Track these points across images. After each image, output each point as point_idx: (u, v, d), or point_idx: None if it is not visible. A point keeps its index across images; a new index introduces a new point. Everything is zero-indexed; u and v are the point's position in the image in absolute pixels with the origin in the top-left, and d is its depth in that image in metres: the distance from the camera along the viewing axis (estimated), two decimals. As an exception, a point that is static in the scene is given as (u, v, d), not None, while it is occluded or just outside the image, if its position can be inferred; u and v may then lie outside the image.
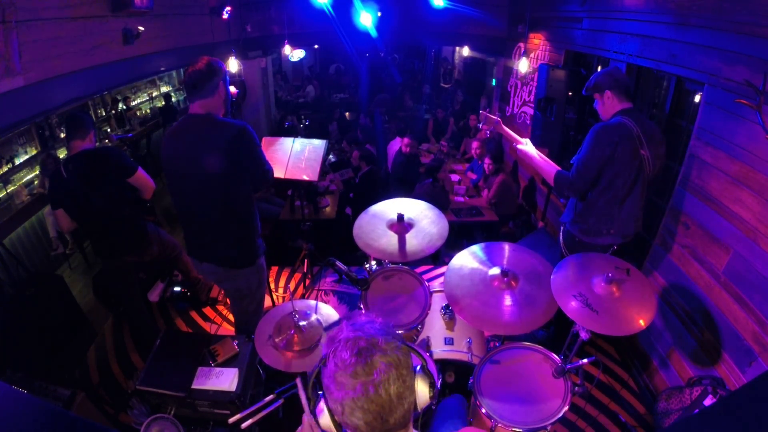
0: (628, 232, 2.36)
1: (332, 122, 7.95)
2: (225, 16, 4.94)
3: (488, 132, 2.86)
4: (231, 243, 2.14)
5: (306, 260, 3.77)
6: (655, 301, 1.77)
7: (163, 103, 7.16)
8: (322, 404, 0.90)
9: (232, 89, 2.18)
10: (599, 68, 3.84)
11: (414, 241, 2.22)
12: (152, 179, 2.64)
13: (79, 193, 2.40)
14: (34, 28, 2.54)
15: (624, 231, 2.35)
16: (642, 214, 2.39)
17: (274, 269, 3.95)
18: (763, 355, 1.93)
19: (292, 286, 3.76)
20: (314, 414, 0.95)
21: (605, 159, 2.19)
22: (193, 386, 1.95)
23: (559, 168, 2.45)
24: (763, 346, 1.94)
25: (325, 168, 5.14)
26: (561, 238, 2.61)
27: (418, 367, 0.95)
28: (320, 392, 0.92)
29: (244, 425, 1.58)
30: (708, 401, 2.01)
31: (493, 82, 6.65)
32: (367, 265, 2.47)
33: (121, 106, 6.17)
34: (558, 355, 1.94)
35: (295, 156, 3.26)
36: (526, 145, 2.55)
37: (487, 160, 4.73)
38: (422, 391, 0.95)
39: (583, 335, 1.83)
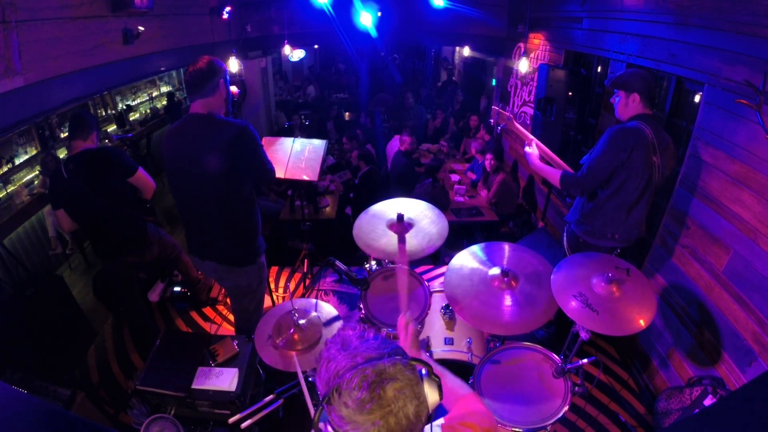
0: (630, 237, 2.36)
1: (329, 120, 7.94)
2: (225, 16, 4.94)
3: (499, 128, 2.86)
4: (233, 241, 2.15)
5: (306, 260, 3.77)
6: (655, 301, 1.77)
7: (165, 102, 7.14)
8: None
9: (234, 89, 2.18)
10: (599, 68, 3.85)
11: (414, 241, 2.22)
12: (152, 179, 2.65)
13: (79, 193, 2.39)
14: (34, 28, 2.54)
15: (627, 237, 2.35)
16: (645, 220, 2.39)
17: (274, 269, 3.94)
18: (763, 355, 1.93)
19: (292, 286, 3.76)
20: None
21: (619, 162, 2.17)
22: (193, 386, 1.94)
23: (564, 169, 2.45)
24: (763, 346, 1.94)
25: (323, 170, 5.15)
26: (564, 237, 2.61)
27: (423, 371, 0.88)
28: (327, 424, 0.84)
29: (244, 425, 1.59)
30: (708, 401, 2.01)
31: (493, 82, 6.66)
32: (367, 265, 2.47)
33: (120, 106, 6.16)
34: (558, 355, 1.94)
35: (295, 156, 3.26)
36: (532, 148, 2.55)
37: (489, 156, 4.74)
38: (431, 395, 0.88)
39: (583, 335, 1.83)
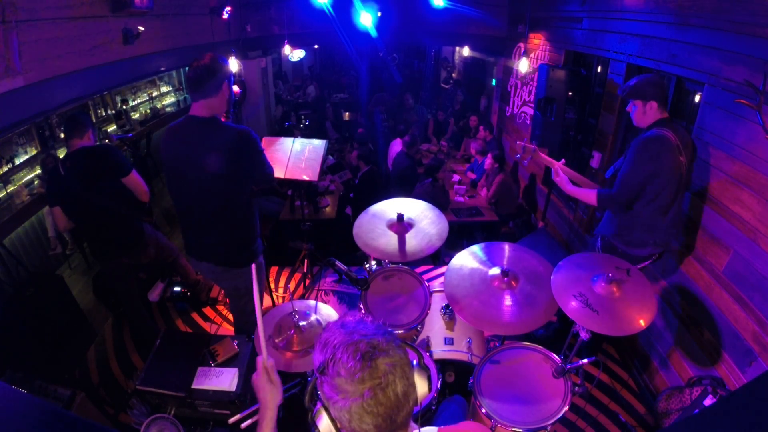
0: (669, 239, 2.33)
1: (326, 120, 7.94)
2: (225, 16, 4.94)
3: (525, 162, 2.87)
4: (230, 243, 2.14)
5: (306, 260, 3.77)
6: (656, 301, 1.77)
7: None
8: (324, 415, 0.86)
9: (235, 88, 2.16)
10: (599, 68, 3.85)
11: (414, 241, 2.22)
12: (146, 183, 2.65)
13: (75, 190, 2.39)
14: (34, 28, 2.54)
15: (666, 239, 2.32)
16: (682, 221, 2.36)
17: (274, 269, 3.94)
18: (763, 355, 1.93)
19: (292, 286, 3.76)
20: (314, 421, 0.92)
21: (648, 173, 2.15)
22: (193, 386, 1.95)
23: (596, 189, 2.42)
24: (763, 346, 1.94)
25: (323, 170, 5.15)
26: (599, 248, 2.53)
27: (414, 362, 0.94)
28: (317, 401, 0.88)
29: (244, 425, 1.58)
30: (708, 401, 2.01)
31: (493, 82, 6.66)
32: (367, 265, 2.47)
33: (120, 104, 6.14)
34: (558, 355, 1.94)
35: (295, 156, 3.26)
36: (560, 177, 2.52)
37: (489, 156, 4.74)
38: (421, 385, 0.95)
39: (583, 335, 1.83)
